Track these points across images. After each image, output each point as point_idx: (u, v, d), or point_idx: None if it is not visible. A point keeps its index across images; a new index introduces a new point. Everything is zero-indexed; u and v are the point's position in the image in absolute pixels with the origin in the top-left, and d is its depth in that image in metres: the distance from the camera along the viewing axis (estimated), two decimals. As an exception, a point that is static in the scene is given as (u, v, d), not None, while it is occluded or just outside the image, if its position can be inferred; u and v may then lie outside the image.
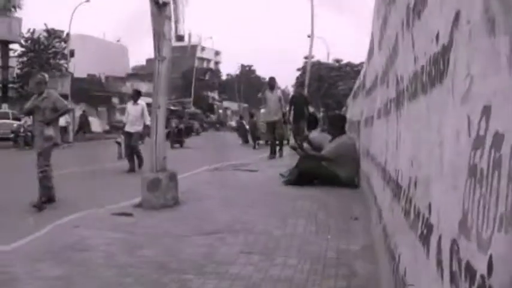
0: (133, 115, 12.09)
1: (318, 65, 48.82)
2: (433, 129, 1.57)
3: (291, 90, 53.48)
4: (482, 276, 1.01)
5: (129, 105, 12.61)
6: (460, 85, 1.25)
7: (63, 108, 7.39)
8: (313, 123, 10.51)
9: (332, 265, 3.93)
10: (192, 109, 49.54)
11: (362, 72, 9.38)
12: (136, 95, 12.56)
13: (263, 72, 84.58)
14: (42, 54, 35.54)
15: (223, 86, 73.75)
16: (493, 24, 1.06)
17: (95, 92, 40.14)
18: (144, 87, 48.07)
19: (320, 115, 22.32)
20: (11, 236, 4.82)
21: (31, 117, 8.22)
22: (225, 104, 72.13)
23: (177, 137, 20.87)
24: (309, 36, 34.95)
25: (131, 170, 11.59)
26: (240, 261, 4.04)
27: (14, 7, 30.33)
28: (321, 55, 72.74)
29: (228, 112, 69.57)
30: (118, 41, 65.76)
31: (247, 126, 26.94)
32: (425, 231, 1.62)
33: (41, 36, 35.94)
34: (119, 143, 12.48)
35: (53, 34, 36.74)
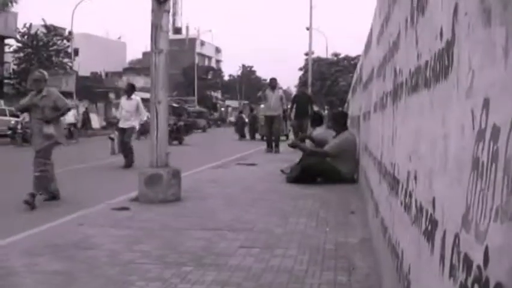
0: (127, 110, 11.75)
1: (318, 61, 49.10)
2: (437, 123, 1.58)
3: (293, 91, 53.83)
4: (478, 267, 1.03)
5: (123, 100, 12.21)
6: (464, 79, 1.26)
7: (64, 107, 7.19)
8: (318, 120, 10.58)
9: (331, 257, 3.97)
10: (197, 108, 50.73)
11: (359, 65, 9.40)
12: (130, 89, 12.20)
13: (263, 73, 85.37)
14: (42, 50, 35.37)
15: (226, 87, 74.74)
16: (489, 15, 1.07)
17: (95, 89, 40.36)
18: (140, 81, 48.39)
19: (325, 113, 22.46)
20: (7, 231, 4.82)
21: (25, 114, 8.11)
22: (227, 102, 73.55)
23: (175, 134, 20.57)
24: (307, 29, 35.07)
25: (127, 165, 11.56)
26: (240, 253, 4.07)
27: (11, 1, 30.18)
28: (319, 48, 73.19)
29: (229, 109, 70.77)
30: (119, 38, 66.16)
31: (247, 120, 27.28)
32: (429, 227, 1.63)
33: (38, 31, 35.75)
34: (112, 139, 12.37)
35: (52, 31, 36.58)
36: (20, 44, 35.60)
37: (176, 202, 6.48)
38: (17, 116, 21.60)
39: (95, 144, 19.55)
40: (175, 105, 36.05)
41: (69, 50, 37.62)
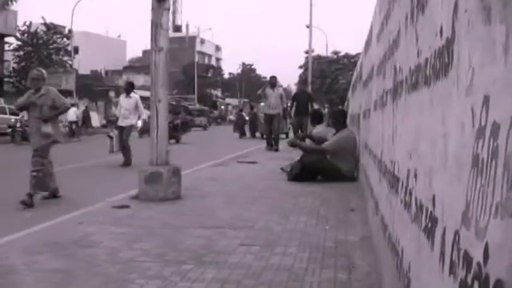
0: (126, 108, 11.67)
1: (318, 59, 49.15)
2: (437, 120, 1.58)
3: (293, 89, 53.94)
4: (478, 264, 1.03)
5: (122, 98, 12.12)
6: (464, 77, 1.26)
7: (62, 106, 7.14)
8: (318, 118, 10.58)
9: (331, 254, 3.97)
10: (197, 106, 51.21)
11: (359, 63, 9.41)
12: (129, 87, 12.12)
13: (264, 71, 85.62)
14: (42, 48, 35.36)
15: (226, 85, 74.92)
16: (489, 13, 1.07)
17: (95, 87, 40.42)
18: (140, 79, 48.51)
19: (325, 111, 22.55)
20: (6, 230, 4.82)
21: (24, 112, 8.05)
22: (227, 100, 73.75)
23: (172, 133, 20.50)
24: (307, 27, 35.10)
25: (125, 163, 11.55)
26: (240, 251, 4.08)
27: (11, 0, 30.15)
28: (320, 46, 73.38)
29: (229, 107, 70.92)
30: (119, 36, 66.31)
31: (247, 118, 27.34)
32: (429, 224, 1.63)
33: (38, 29, 35.73)
34: (110, 137, 12.32)
35: (52, 29, 36.56)
36: (19, 42, 35.57)
37: (176, 200, 6.48)
38: (17, 114, 21.59)
39: (95, 142, 19.54)
40: (172, 103, 36.23)
41: (69, 48, 37.62)
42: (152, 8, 6.69)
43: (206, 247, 4.22)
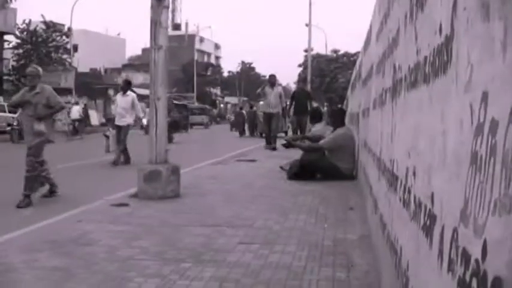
0: (122, 107, 11.56)
1: (318, 57, 49.14)
2: (435, 118, 1.58)
3: (292, 87, 54.00)
4: (476, 261, 1.03)
5: (118, 97, 12.01)
6: (463, 74, 1.26)
7: (57, 105, 6.99)
8: (317, 117, 10.57)
9: (330, 253, 3.98)
10: (199, 104, 51.51)
11: (358, 62, 9.41)
12: (126, 85, 12.02)
13: (263, 69, 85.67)
14: (41, 47, 35.33)
15: (225, 83, 74.98)
16: (488, 10, 1.07)
17: (94, 85, 40.44)
18: (140, 77, 48.56)
19: (324, 109, 22.60)
20: (5, 228, 4.82)
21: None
22: (226, 99, 73.80)
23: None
24: (306, 25, 35.12)
25: (126, 162, 11.49)
26: (239, 249, 4.08)
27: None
28: (319, 45, 73.47)
29: (229, 106, 70.99)
30: (118, 34, 66.33)
31: (247, 116, 27.39)
32: (428, 222, 1.63)
33: (38, 27, 35.70)
34: (106, 137, 12.25)
35: (52, 27, 36.52)
36: (19, 40, 35.56)
37: (175, 198, 6.48)
38: (15, 112, 21.57)
39: (95, 140, 19.53)
40: (174, 102, 36.36)
41: (69, 46, 37.62)
42: (151, 6, 6.68)
43: (205, 245, 4.22)
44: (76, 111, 26.10)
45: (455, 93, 1.35)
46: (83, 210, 5.77)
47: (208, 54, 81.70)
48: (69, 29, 37.84)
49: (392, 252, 2.58)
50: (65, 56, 37.24)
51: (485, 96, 1.06)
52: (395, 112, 2.86)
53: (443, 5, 1.56)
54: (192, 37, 72.83)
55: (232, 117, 37.00)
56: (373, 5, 5.20)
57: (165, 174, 6.53)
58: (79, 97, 33.28)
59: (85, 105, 31.64)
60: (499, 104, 0.97)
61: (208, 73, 70.33)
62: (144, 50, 62.38)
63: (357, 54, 29.62)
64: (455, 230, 1.25)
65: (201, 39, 77.20)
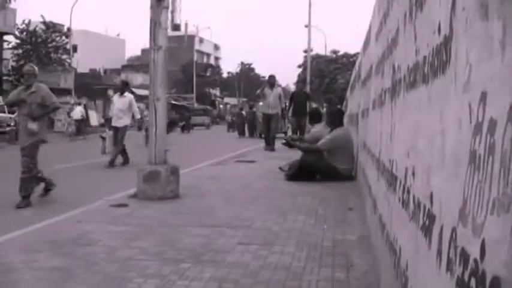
0: (119, 108, 11.47)
1: (317, 58, 49.17)
2: (434, 118, 1.59)
3: (292, 88, 54.02)
4: (475, 260, 1.03)
5: (116, 98, 11.91)
6: (462, 73, 1.27)
7: (52, 105, 6.90)
8: (317, 118, 10.54)
9: (329, 253, 3.98)
10: (201, 105, 52.05)
11: (357, 63, 9.41)
12: (124, 86, 11.95)
13: (262, 70, 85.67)
14: (40, 47, 35.30)
15: (224, 84, 75.05)
16: (486, 9, 1.07)
17: (94, 86, 40.46)
18: (139, 78, 48.54)
19: (324, 110, 22.60)
20: (4, 228, 4.82)
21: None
22: (226, 100, 73.94)
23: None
24: (306, 26, 35.13)
25: (125, 162, 11.45)
26: (238, 250, 4.08)
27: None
28: (318, 46, 73.52)
29: (228, 106, 71.02)
30: (118, 35, 66.38)
31: (248, 117, 27.44)
32: (427, 222, 1.63)
33: (37, 28, 35.68)
34: (103, 138, 12.19)
35: (51, 27, 36.50)
36: (18, 41, 35.52)
37: (175, 199, 6.48)
38: (13, 113, 21.53)
39: (95, 141, 19.52)
40: (173, 102, 36.50)
41: (68, 46, 37.61)
42: (151, 6, 6.68)
43: (204, 246, 4.22)
44: (79, 112, 26.21)
45: (454, 93, 1.35)
46: (82, 211, 5.77)
47: (208, 55, 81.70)
48: (69, 29, 37.84)
49: (391, 253, 2.58)
50: (64, 57, 37.23)
51: (483, 96, 1.06)
52: (394, 112, 2.86)
53: (442, 4, 1.57)
54: (191, 38, 72.81)
55: (230, 118, 37.07)
56: (372, 6, 5.20)
57: (164, 175, 6.53)
58: (79, 98, 33.30)
59: (84, 105, 31.67)
60: (497, 104, 0.97)
61: (208, 74, 70.37)
62: (143, 51, 62.41)
63: (356, 55, 29.64)
64: (454, 230, 1.25)
65: (201, 40, 77.20)
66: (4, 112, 25.40)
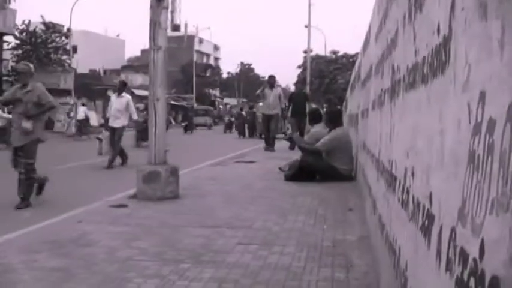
0: (117, 108, 11.40)
1: (317, 58, 49.18)
2: (434, 118, 1.59)
3: (292, 88, 54.10)
4: (474, 260, 1.03)
5: (113, 98, 11.82)
6: (461, 73, 1.27)
7: (48, 104, 6.78)
8: (317, 118, 10.51)
9: (329, 253, 3.98)
10: (203, 106, 52.14)
11: (357, 63, 9.42)
12: (122, 87, 11.87)
13: (262, 70, 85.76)
14: (40, 47, 35.28)
15: (224, 84, 75.12)
16: (485, 9, 1.07)
17: (94, 86, 40.46)
18: (139, 79, 48.53)
19: (323, 110, 22.60)
20: (3, 229, 4.82)
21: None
22: (225, 100, 74.07)
23: (145, 134, 17.68)
24: (306, 27, 35.14)
25: (124, 162, 11.42)
26: (238, 250, 4.08)
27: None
28: (318, 46, 73.57)
29: (228, 107, 71.06)
30: (117, 35, 66.43)
31: (248, 118, 27.47)
32: (426, 222, 1.63)
33: (37, 28, 35.66)
34: (99, 139, 12.13)
35: (51, 28, 36.47)
36: (18, 41, 35.48)
37: (174, 199, 6.48)
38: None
39: (95, 142, 19.50)
40: (173, 102, 36.48)
41: (68, 47, 37.57)
42: (151, 7, 6.68)
43: (204, 246, 4.22)
44: (82, 112, 26.30)
45: (453, 93, 1.35)
46: (82, 211, 5.77)
47: (208, 56, 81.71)
48: (69, 29, 37.80)
49: (391, 253, 2.58)
50: (64, 57, 37.18)
51: (482, 96, 1.07)
52: (394, 113, 2.87)
53: (441, 5, 1.57)
54: (191, 38, 72.77)
55: (227, 119, 37.13)
56: (372, 6, 5.21)
57: (164, 175, 6.53)
58: (78, 98, 33.25)
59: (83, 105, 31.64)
60: (496, 103, 0.97)
61: (208, 74, 70.33)
62: (143, 51, 62.40)
63: (356, 55, 29.67)
64: (453, 230, 1.25)
65: (200, 40, 77.17)
66: (3, 112, 25.37)
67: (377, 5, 4.65)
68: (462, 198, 1.17)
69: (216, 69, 76.03)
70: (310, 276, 3.48)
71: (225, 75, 79.21)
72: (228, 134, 31.77)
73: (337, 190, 7.23)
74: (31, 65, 7.02)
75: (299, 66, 53.94)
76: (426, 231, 1.63)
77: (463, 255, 1.12)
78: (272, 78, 15.10)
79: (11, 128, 7.39)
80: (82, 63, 43.14)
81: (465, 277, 1.09)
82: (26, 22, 35.48)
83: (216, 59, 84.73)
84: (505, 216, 0.89)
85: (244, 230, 4.82)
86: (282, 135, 19.52)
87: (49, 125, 28.65)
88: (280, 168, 9.19)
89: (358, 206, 5.81)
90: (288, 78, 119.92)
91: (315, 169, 8.32)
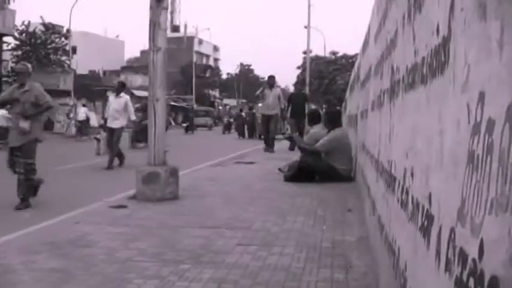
0: (115, 109, 11.32)
1: (316, 59, 49.22)
2: (433, 118, 1.59)
3: (291, 89, 54.11)
4: (473, 260, 1.03)
5: (111, 98, 11.74)
6: (460, 74, 1.27)
7: (46, 104, 6.74)
8: (316, 119, 10.51)
9: (328, 254, 3.98)
10: (195, 106, 52.07)
11: (356, 64, 9.42)
12: (121, 87, 11.82)
13: (261, 71, 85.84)
14: (40, 48, 35.26)
15: (224, 85, 75.16)
16: (485, 9, 1.07)
17: (93, 87, 40.47)
18: (138, 80, 48.53)
19: (323, 111, 22.60)
20: (3, 230, 4.82)
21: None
22: (225, 101, 74.10)
23: (139, 136, 16.26)
24: (305, 27, 35.13)
25: (121, 163, 11.39)
26: (238, 251, 4.08)
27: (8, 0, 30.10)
28: (318, 47, 73.67)
29: (227, 107, 71.06)
30: (117, 36, 66.51)
31: (248, 118, 27.51)
32: (425, 223, 1.63)
33: (36, 29, 35.65)
34: (97, 140, 12.09)
35: (51, 29, 36.46)
36: (18, 42, 35.45)
37: (174, 200, 6.48)
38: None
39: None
40: (172, 103, 36.57)
41: (67, 48, 37.56)
42: (150, 7, 6.68)
43: (204, 247, 4.22)
44: (83, 113, 26.36)
45: (452, 93, 1.35)
46: (81, 212, 5.77)
47: (207, 56, 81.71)
48: (68, 30, 37.80)
49: (390, 253, 2.58)
50: (63, 58, 37.18)
51: (482, 96, 1.07)
52: (393, 113, 2.87)
53: (440, 5, 1.57)
54: (190, 39, 72.76)
55: (226, 120, 37.20)
56: (371, 7, 5.21)
57: (163, 176, 6.53)
58: (78, 99, 33.26)
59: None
60: (495, 104, 0.97)
61: (207, 75, 70.33)
62: (142, 52, 62.40)
63: (355, 56, 29.67)
64: (452, 230, 1.25)
65: (200, 41, 77.17)
66: (3, 113, 25.35)
67: (376, 5, 4.65)
68: (461, 199, 1.17)
69: (216, 70, 76.03)
70: (309, 277, 3.48)
71: (224, 76, 79.22)
72: (228, 135, 31.78)
73: (337, 191, 7.23)
74: (29, 65, 6.99)
75: (298, 67, 53.98)
76: (425, 231, 1.63)
77: (462, 256, 1.12)
78: (272, 78, 15.05)
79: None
80: (81, 64, 43.14)
81: (464, 277, 1.09)
82: (26, 23, 35.45)
83: (216, 59, 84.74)
84: (504, 216, 0.89)
85: (243, 230, 4.82)
86: (282, 136, 19.54)
87: (49, 126, 28.66)
88: (279, 169, 9.19)
89: (357, 207, 5.81)
90: (287, 79, 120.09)
91: (314, 169, 8.33)
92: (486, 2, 1.06)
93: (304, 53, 43.62)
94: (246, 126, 27.42)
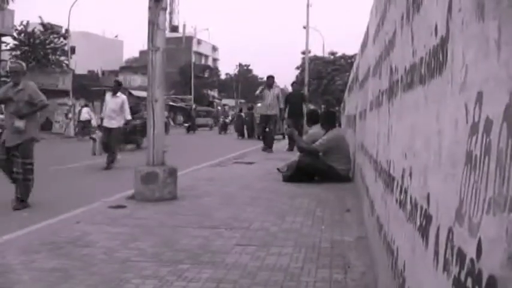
0: (112, 109, 11.25)
1: (315, 60, 49.27)
2: (431, 118, 1.59)
3: (290, 89, 54.12)
4: (471, 260, 1.03)
5: (108, 97, 11.66)
6: (458, 74, 1.27)
7: (40, 103, 6.68)
8: (315, 119, 10.50)
9: (327, 254, 3.98)
10: (194, 106, 52.14)
11: (355, 64, 9.43)
12: (117, 86, 11.73)
13: (260, 71, 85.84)
14: (38, 48, 35.23)
15: (222, 85, 75.20)
16: (483, 10, 1.08)
17: (92, 87, 40.49)
18: (137, 80, 48.52)
19: (322, 112, 22.58)
20: (3, 229, 4.82)
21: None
22: (224, 101, 74.13)
23: (129, 136, 15.87)
24: (304, 28, 35.11)
25: (113, 161, 11.26)
26: (236, 251, 4.08)
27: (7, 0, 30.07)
28: (316, 47, 73.70)
29: (226, 108, 71.09)
30: (116, 36, 66.52)
31: (247, 118, 27.55)
32: (424, 223, 1.64)
33: (35, 29, 35.62)
34: (93, 139, 12.05)
35: (49, 29, 36.44)
36: (16, 42, 35.42)
37: (172, 200, 6.48)
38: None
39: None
40: (172, 103, 36.70)
41: (66, 48, 37.52)
42: (149, 7, 6.68)
43: (202, 247, 4.23)
44: (85, 113, 26.43)
45: (450, 93, 1.36)
46: (80, 212, 5.77)
47: (206, 57, 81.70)
48: (67, 31, 37.78)
49: (388, 253, 2.59)
50: (62, 58, 37.16)
51: (480, 96, 1.07)
52: (391, 113, 2.87)
53: (438, 6, 1.57)
54: (189, 39, 72.74)
55: (222, 120, 37.27)
56: (370, 7, 5.21)
57: (162, 176, 6.53)
58: (76, 99, 33.26)
59: (82, 106, 31.63)
60: (493, 104, 0.98)
61: (206, 75, 70.35)
62: (141, 52, 62.40)
63: (354, 56, 29.67)
64: (450, 230, 1.25)
65: (199, 42, 77.16)
66: (2, 113, 25.35)
67: (375, 6, 4.65)
68: (459, 199, 1.17)
69: (214, 70, 76.05)
70: (308, 277, 3.48)
71: (223, 76, 79.22)
72: (225, 135, 31.80)
73: (335, 191, 7.23)
74: (23, 64, 6.94)
75: (297, 67, 53.98)
76: (424, 231, 1.63)
77: (460, 255, 1.12)
78: (271, 78, 15.01)
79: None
80: (80, 64, 43.17)
81: (462, 277, 1.09)
82: (24, 23, 35.41)
83: (215, 60, 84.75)
84: (502, 215, 0.89)
85: (242, 230, 4.82)
86: (280, 136, 19.55)
87: (47, 126, 28.66)
88: (278, 169, 9.20)
89: (356, 207, 5.82)
90: (286, 79, 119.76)
91: (313, 169, 8.33)
92: (484, 3, 1.07)
93: (303, 53, 43.64)
94: (245, 127, 27.43)
